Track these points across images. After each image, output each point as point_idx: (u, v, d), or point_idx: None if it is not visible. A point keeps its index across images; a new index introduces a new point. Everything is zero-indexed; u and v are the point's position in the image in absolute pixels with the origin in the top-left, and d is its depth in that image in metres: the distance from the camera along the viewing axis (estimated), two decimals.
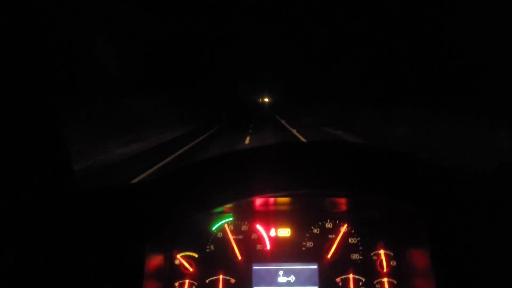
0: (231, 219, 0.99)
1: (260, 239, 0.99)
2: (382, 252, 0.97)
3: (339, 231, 0.99)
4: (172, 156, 9.64)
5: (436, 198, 0.85)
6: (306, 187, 0.88)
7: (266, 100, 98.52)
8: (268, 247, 0.98)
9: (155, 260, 0.90)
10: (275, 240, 0.99)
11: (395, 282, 0.96)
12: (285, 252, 0.98)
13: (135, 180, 6.23)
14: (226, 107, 42.10)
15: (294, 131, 13.57)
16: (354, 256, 0.98)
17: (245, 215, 1.00)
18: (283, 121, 19.88)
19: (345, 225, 0.99)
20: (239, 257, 0.97)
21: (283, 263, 0.97)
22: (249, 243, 0.98)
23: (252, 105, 73.86)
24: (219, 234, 0.99)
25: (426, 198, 0.85)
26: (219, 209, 0.98)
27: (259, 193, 0.89)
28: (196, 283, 0.95)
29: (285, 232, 0.99)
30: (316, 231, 1.00)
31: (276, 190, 0.89)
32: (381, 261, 0.96)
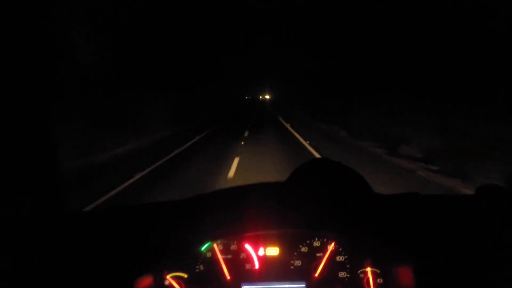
0: (220, 239, 1.01)
1: (249, 259, 1.00)
2: (369, 270, 0.98)
3: (327, 250, 1.00)
4: None
5: (418, 235, 0.89)
6: (296, 227, 0.95)
7: (267, 97, 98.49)
8: (257, 266, 1.00)
9: (145, 281, 0.91)
10: (263, 259, 1.00)
11: None
12: (273, 271, 1.00)
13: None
14: (227, 103, 42.16)
15: None
16: (342, 274, 0.99)
17: (234, 234, 1.02)
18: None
19: (333, 243, 1.01)
20: (228, 277, 0.98)
21: (272, 282, 0.98)
22: (238, 263, 1.00)
23: (253, 101, 73.96)
24: (208, 254, 1.00)
25: (410, 240, 0.89)
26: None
27: (250, 231, 0.97)
28: None
29: (273, 251, 1.01)
30: (304, 249, 1.01)
31: (267, 229, 0.97)
32: (368, 278, 0.98)
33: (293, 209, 0.98)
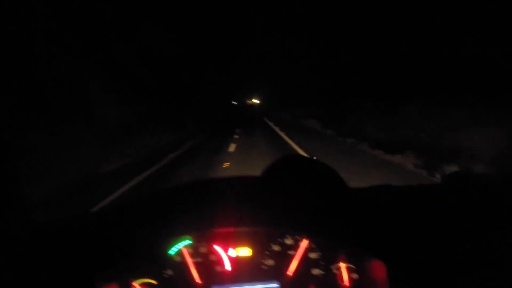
0: (189, 242, 0.97)
1: (219, 261, 0.97)
2: (343, 265, 0.96)
3: (299, 247, 0.98)
4: None
5: (390, 227, 0.87)
6: (267, 226, 0.93)
7: (256, 101, 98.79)
8: (228, 268, 0.96)
9: None
10: (235, 261, 0.97)
11: None
12: (245, 272, 0.96)
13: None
14: (216, 108, 41.51)
15: None
16: (315, 271, 0.97)
17: (204, 236, 0.98)
18: None
19: (305, 240, 0.98)
20: (199, 281, 0.95)
21: (244, 284, 0.95)
22: (208, 265, 0.96)
23: (241, 108, 73.86)
24: (177, 258, 0.96)
25: (382, 233, 0.88)
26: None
27: (220, 227, 0.94)
28: None
29: (244, 251, 0.98)
30: (276, 248, 0.98)
31: (238, 226, 0.95)
32: (342, 274, 0.95)
33: (265, 207, 0.96)
